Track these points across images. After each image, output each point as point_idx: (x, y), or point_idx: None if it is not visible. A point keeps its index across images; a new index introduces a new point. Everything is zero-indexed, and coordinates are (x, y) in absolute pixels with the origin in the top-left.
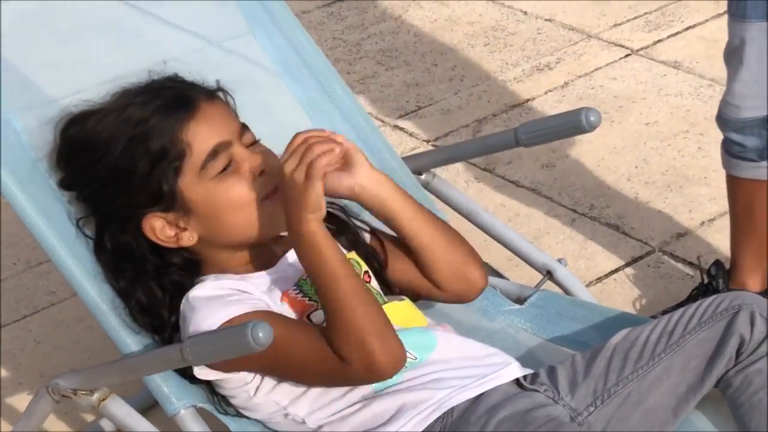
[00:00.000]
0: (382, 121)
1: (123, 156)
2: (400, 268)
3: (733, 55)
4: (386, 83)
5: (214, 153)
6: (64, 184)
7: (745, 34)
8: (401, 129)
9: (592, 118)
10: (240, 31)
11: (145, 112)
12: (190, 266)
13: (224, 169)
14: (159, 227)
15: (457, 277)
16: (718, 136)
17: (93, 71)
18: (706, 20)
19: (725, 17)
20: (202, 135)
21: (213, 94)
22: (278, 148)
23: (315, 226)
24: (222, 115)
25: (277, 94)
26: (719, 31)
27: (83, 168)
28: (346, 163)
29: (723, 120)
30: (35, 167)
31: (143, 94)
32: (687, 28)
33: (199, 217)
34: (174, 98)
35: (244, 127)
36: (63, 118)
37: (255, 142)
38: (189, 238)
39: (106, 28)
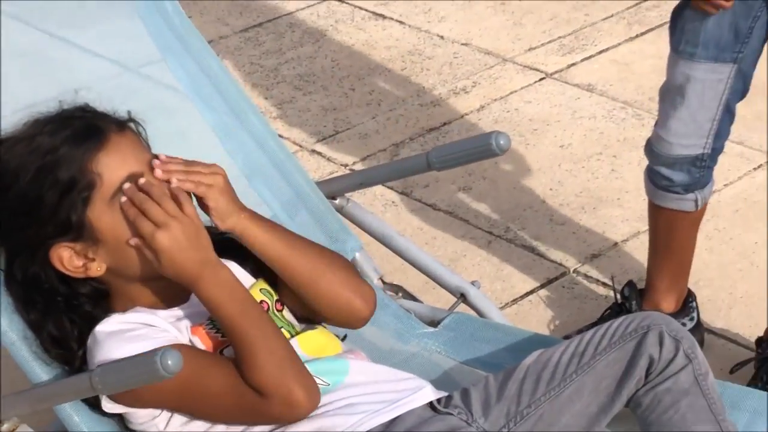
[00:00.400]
0: (300, 146)
1: (31, 186)
2: (287, 297)
3: (674, 92)
4: (304, 108)
5: (124, 183)
6: None
7: (691, 72)
8: (319, 153)
9: (501, 142)
10: (154, 57)
11: (54, 141)
12: (100, 297)
13: None
14: (67, 257)
15: (338, 309)
16: (631, 158)
17: (7, 99)
18: (619, 44)
19: (637, 41)
20: (112, 166)
21: (124, 125)
22: None
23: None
24: (133, 146)
25: (191, 121)
26: (631, 54)
27: None
28: (204, 204)
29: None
30: None
31: (52, 123)
32: (600, 52)
33: (107, 248)
34: (83, 128)
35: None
36: None
37: None
38: (97, 269)
39: (21, 54)
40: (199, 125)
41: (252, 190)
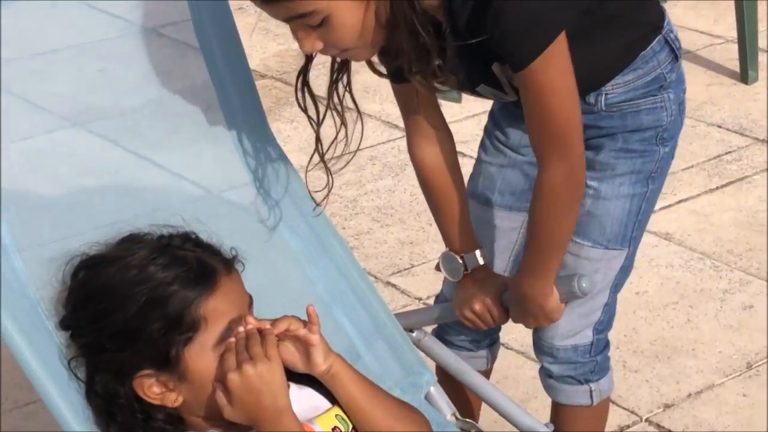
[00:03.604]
0: (375, 277)
1: (137, 315)
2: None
3: None
4: (381, 240)
5: (226, 331)
6: (66, 326)
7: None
8: (393, 285)
9: (584, 285)
10: (239, 181)
11: (167, 277)
12: (174, 421)
13: None
14: (147, 384)
15: None
16: (707, 309)
17: (91, 215)
18: (698, 194)
19: (717, 192)
20: (218, 311)
21: (230, 265)
22: (273, 301)
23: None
24: (237, 289)
25: (274, 246)
26: (710, 205)
27: (92, 316)
28: (302, 351)
29: None
30: (33, 308)
31: (164, 256)
32: (679, 201)
33: (192, 386)
34: (197, 269)
35: (251, 301)
36: (75, 259)
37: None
38: (174, 401)
39: (105, 173)
40: (283, 250)
41: (331, 318)
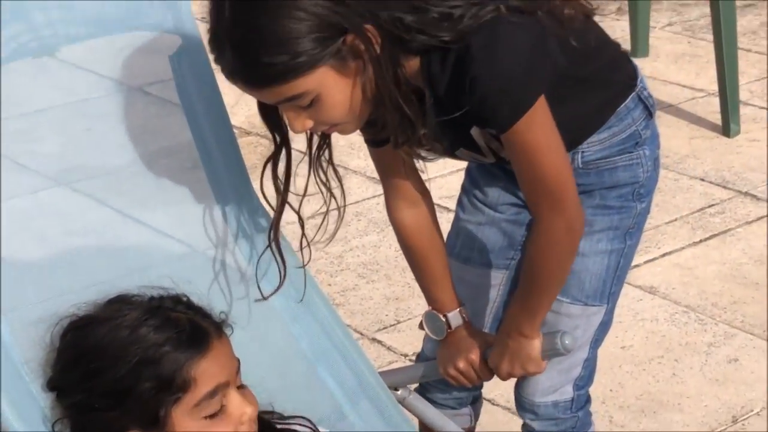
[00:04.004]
0: (361, 334)
1: (129, 375)
2: None
3: None
4: (366, 296)
5: (212, 393)
6: (53, 387)
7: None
8: (379, 342)
9: (567, 342)
10: (223, 239)
11: (159, 338)
12: None
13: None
14: None
15: None
16: (692, 362)
17: (77, 275)
18: (682, 247)
19: (701, 245)
20: (208, 373)
21: (221, 329)
22: (257, 359)
23: None
24: (227, 353)
25: (259, 305)
26: (694, 258)
27: (82, 375)
28: None
29: None
30: (17, 370)
31: (156, 317)
32: (663, 255)
33: None
34: (190, 331)
35: (239, 366)
36: (64, 320)
37: (242, 385)
38: None
39: (91, 232)
40: (266, 308)
41: (315, 376)
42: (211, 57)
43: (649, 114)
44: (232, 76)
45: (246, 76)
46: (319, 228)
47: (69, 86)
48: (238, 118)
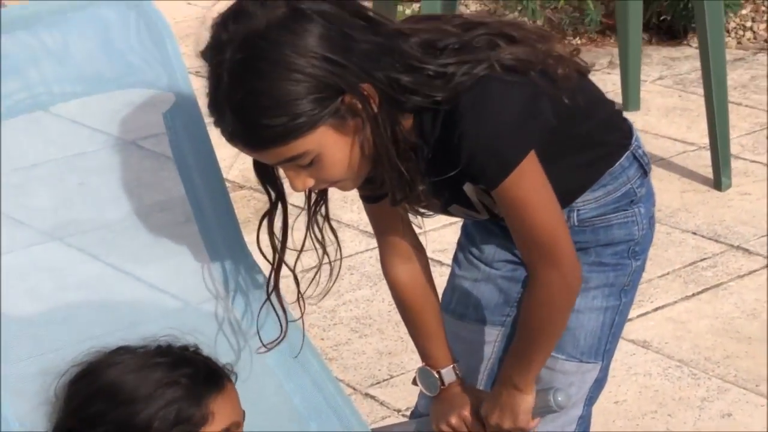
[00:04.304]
0: (354, 389)
1: (147, 411)
2: None
3: None
4: (359, 351)
5: (226, 431)
6: (68, 429)
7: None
8: (372, 397)
9: (560, 399)
10: (216, 294)
11: (175, 374)
12: None
13: None
14: None
15: None
16: (686, 417)
17: (71, 329)
18: (675, 301)
19: (693, 299)
20: (224, 410)
21: (228, 376)
22: (250, 415)
23: None
24: (236, 398)
25: (252, 360)
26: (687, 312)
27: (96, 414)
28: None
29: None
30: (7, 424)
31: (168, 356)
32: (656, 309)
33: None
34: (205, 370)
35: (244, 416)
36: (71, 369)
37: None
38: None
39: (84, 287)
40: (259, 363)
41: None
42: (210, 120)
43: (644, 172)
44: (233, 139)
45: (246, 139)
46: (311, 282)
47: (63, 141)
48: (232, 172)
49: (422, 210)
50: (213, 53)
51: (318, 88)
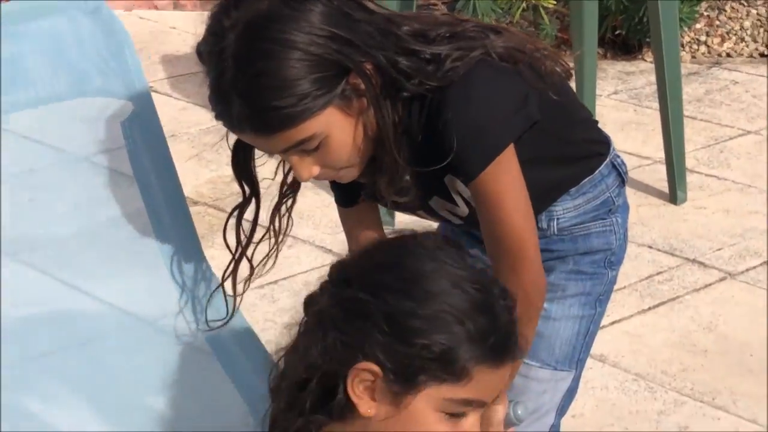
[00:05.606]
0: None
1: (425, 321)
2: None
3: None
4: None
5: (469, 402)
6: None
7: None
8: None
9: (519, 412)
10: (173, 310)
11: (474, 319)
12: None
13: None
14: (360, 380)
15: None
16: (643, 430)
17: (23, 346)
18: (631, 315)
19: (649, 312)
20: (483, 384)
21: (514, 356)
22: (208, 429)
23: None
24: (502, 382)
25: (209, 374)
26: (643, 326)
27: (380, 285)
28: None
29: None
30: None
31: (483, 294)
32: (612, 323)
33: (395, 420)
34: (502, 336)
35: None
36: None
37: None
38: (368, 410)
39: (37, 304)
40: (217, 378)
41: None
42: (171, 135)
43: (622, 181)
44: (240, 126)
45: (256, 124)
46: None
47: (13, 157)
48: (186, 188)
49: (402, 202)
50: (214, 40)
51: (325, 67)
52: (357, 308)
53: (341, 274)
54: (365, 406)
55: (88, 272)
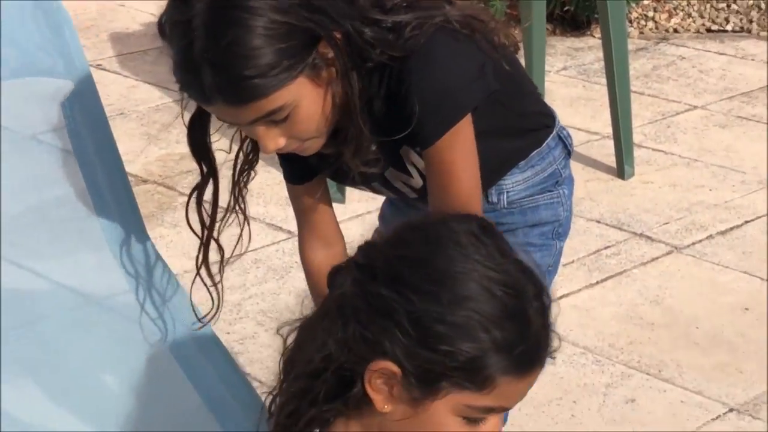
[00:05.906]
0: (260, 382)
1: (450, 324)
2: None
3: None
4: (266, 344)
5: (489, 410)
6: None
7: None
8: None
9: None
10: (119, 289)
11: (503, 325)
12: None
13: None
14: (381, 377)
15: None
16: (591, 403)
17: None
18: (579, 289)
19: (597, 287)
20: (506, 393)
21: (542, 365)
22: (155, 411)
23: None
24: (527, 388)
25: (155, 354)
26: (591, 300)
27: (406, 283)
28: None
29: None
30: None
31: (515, 299)
32: (560, 297)
33: (404, 419)
34: (532, 346)
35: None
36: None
37: None
38: (384, 406)
39: None
40: (164, 357)
41: (212, 425)
42: (112, 113)
43: (568, 153)
44: (211, 97)
45: (227, 94)
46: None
47: None
48: (135, 166)
49: (371, 173)
50: (180, 10)
51: (297, 35)
52: (381, 305)
53: (368, 259)
54: (382, 402)
55: (33, 251)
